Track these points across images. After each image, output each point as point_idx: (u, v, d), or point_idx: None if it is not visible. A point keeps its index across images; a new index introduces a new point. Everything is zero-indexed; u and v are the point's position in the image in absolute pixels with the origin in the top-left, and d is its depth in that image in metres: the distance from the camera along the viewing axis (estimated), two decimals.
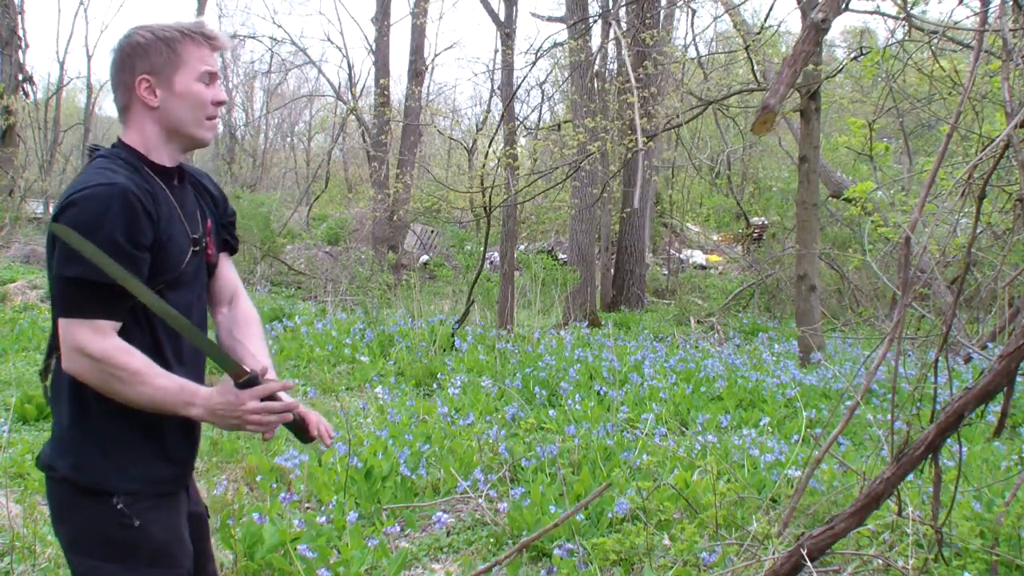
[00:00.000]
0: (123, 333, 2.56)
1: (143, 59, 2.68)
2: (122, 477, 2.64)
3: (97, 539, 2.66)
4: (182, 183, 2.82)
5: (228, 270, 3.09)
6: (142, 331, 2.63)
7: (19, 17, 28.50)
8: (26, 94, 29.75)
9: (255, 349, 3.00)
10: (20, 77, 28.48)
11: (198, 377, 2.78)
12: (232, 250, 3.12)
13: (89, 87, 36.78)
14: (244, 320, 3.09)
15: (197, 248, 2.77)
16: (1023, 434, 8.37)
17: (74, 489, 2.67)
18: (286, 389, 2.68)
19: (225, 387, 2.58)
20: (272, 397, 2.64)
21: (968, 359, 10.87)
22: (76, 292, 2.47)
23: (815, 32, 4.09)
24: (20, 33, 28.31)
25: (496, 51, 28.91)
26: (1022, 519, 4.87)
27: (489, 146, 17.07)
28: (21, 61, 28.42)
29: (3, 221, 24.46)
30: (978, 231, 5.35)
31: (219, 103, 2.78)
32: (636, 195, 7.98)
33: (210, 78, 2.75)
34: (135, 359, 2.50)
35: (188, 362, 2.78)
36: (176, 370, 2.65)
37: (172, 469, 2.76)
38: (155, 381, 2.52)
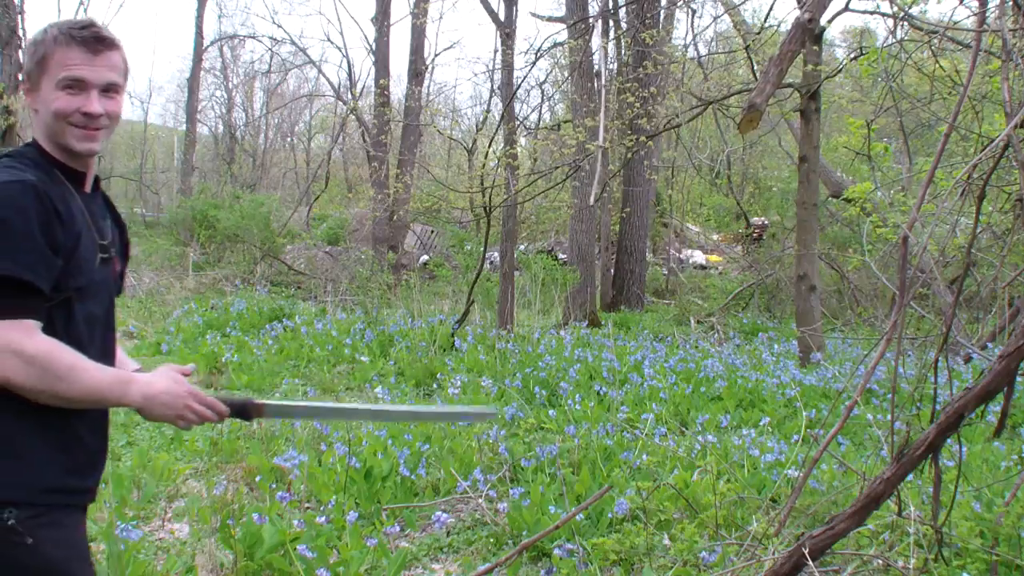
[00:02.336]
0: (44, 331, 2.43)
1: (27, 61, 2.61)
2: (14, 486, 2.40)
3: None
4: (94, 192, 2.72)
5: None
6: (54, 328, 2.46)
7: (19, 17, 28.44)
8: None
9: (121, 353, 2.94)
10: (20, 77, 28.47)
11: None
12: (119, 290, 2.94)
13: None
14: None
15: (105, 256, 2.62)
16: (1023, 434, 8.37)
17: None
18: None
19: (168, 373, 2.57)
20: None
21: (968, 359, 10.87)
22: (2, 293, 2.32)
23: (801, 32, 4.11)
24: (20, 33, 28.26)
25: (496, 51, 28.95)
26: (1022, 519, 4.87)
27: (489, 146, 17.10)
28: (21, 61, 28.40)
29: None
30: (978, 231, 5.35)
31: (86, 114, 2.53)
32: (593, 191, 7.99)
33: (76, 84, 2.53)
34: (67, 353, 2.39)
35: (104, 353, 2.66)
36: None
37: (78, 479, 2.55)
38: (90, 373, 2.41)
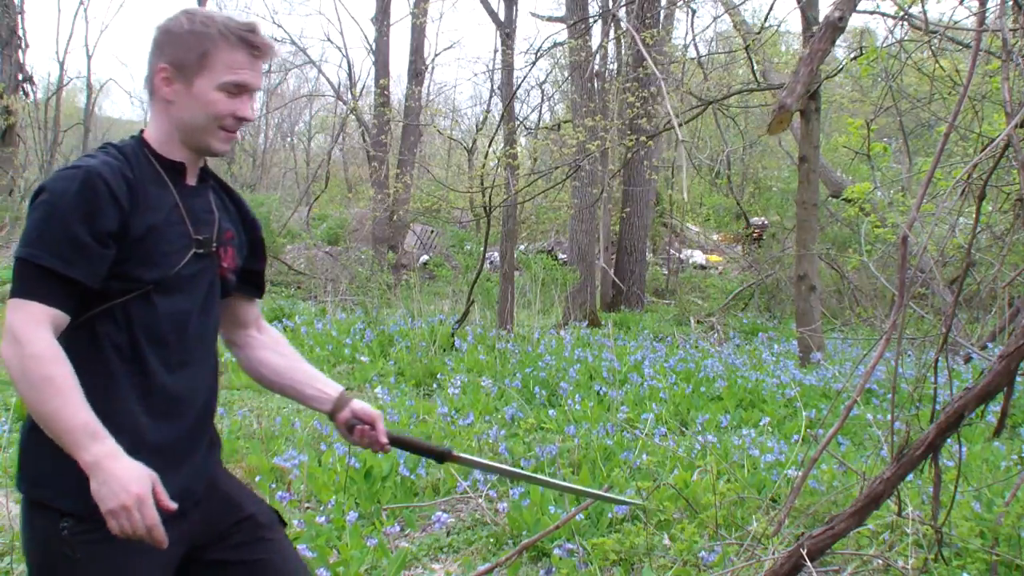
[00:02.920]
0: (94, 333, 2.34)
1: (171, 47, 2.46)
2: (67, 493, 2.28)
3: (44, 569, 2.35)
4: (203, 184, 2.62)
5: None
6: (118, 330, 2.37)
7: (19, 17, 28.55)
8: (26, 94, 29.79)
9: (314, 372, 2.88)
10: (20, 77, 28.52)
11: (195, 391, 2.55)
12: (256, 288, 2.92)
13: (89, 87, 36.84)
14: (281, 341, 2.95)
15: (201, 251, 2.50)
16: (1023, 434, 8.37)
17: (28, 505, 2.37)
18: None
19: (143, 471, 2.21)
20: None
21: (968, 359, 10.87)
22: (20, 271, 2.25)
23: (832, 31, 4.10)
24: (20, 33, 28.35)
25: (496, 51, 28.91)
26: (1022, 519, 4.87)
27: (489, 146, 17.10)
28: (21, 61, 28.46)
29: (3, 221, 24.49)
30: (977, 231, 5.36)
31: (240, 119, 2.50)
32: (684, 186, 7.99)
33: (237, 89, 2.47)
34: (56, 367, 2.18)
35: (181, 369, 2.49)
36: (163, 378, 2.42)
37: None
38: (65, 401, 2.17)
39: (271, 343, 2.93)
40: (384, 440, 2.79)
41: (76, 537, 2.27)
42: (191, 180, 2.58)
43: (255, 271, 2.90)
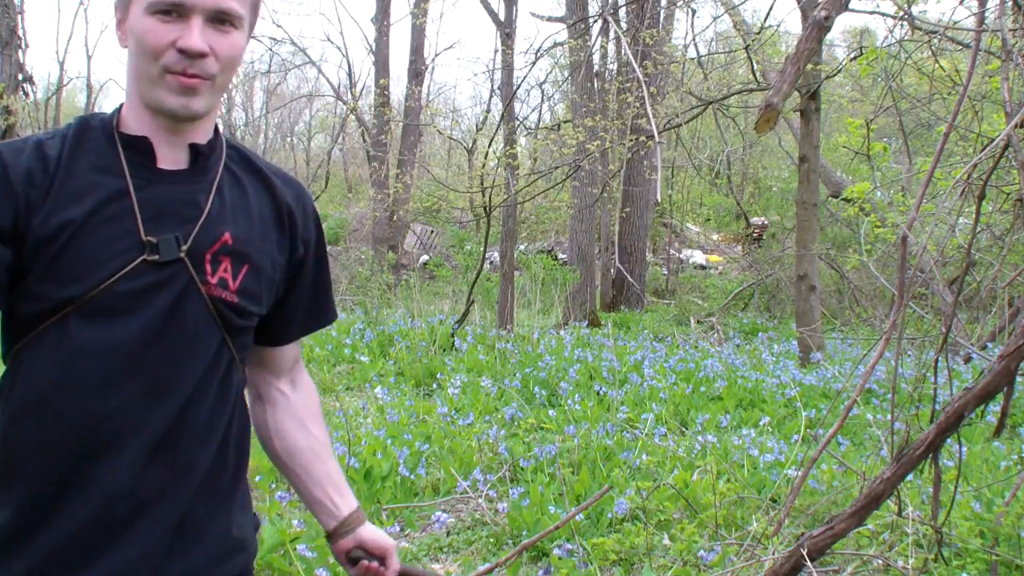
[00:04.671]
0: (29, 350, 1.75)
1: None
2: None
3: None
4: (200, 168, 1.88)
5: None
6: (20, 376, 1.77)
7: (19, 17, 28.44)
8: (26, 94, 29.67)
9: (335, 473, 2.19)
10: (20, 77, 28.44)
11: (143, 478, 1.76)
12: (300, 325, 2.14)
13: (89, 87, 36.77)
14: (314, 411, 2.20)
15: (156, 258, 1.77)
16: (1023, 434, 8.37)
17: None
18: None
19: None
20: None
21: (968, 359, 10.87)
22: None
23: (818, 30, 4.09)
24: (20, 33, 28.26)
25: (496, 51, 28.90)
26: (1022, 519, 4.87)
27: (489, 146, 17.11)
28: (21, 61, 28.38)
29: None
30: (977, 231, 5.36)
31: (184, 51, 1.73)
32: (658, 187, 8.00)
33: (172, 9, 1.72)
34: None
35: (117, 442, 1.75)
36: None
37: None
38: None
39: (301, 410, 2.16)
40: None
41: None
42: (169, 162, 1.85)
43: (304, 296, 2.10)
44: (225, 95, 47.63)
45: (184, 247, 1.80)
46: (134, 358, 1.75)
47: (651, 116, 8.96)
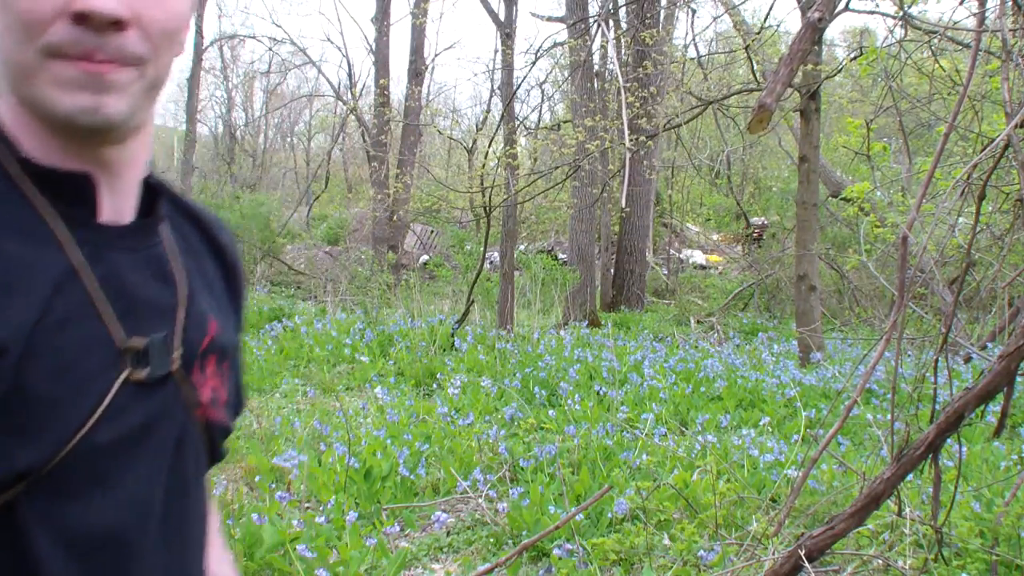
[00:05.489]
0: None
1: None
2: None
3: None
4: (149, 221, 1.22)
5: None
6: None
7: None
8: None
9: None
10: None
11: None
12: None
13: None
14: (218, 540, 1.54)
15: (143, 378, 1.11)
16: (1023, 434, 8.37)
17: None
18: None
19: None
20: None
21: (968, 359, 10.87)
22: None
23: (811, 31, 4.09)
24: None
25: (496, 51, 28.89)
26: (1022, 519, 4.87)
27: (489, 146, 17.14)
28: None
29: None
30: (977, 231, 5.36)
31: (80, 15, 1.01)
32: (623, 194, 8.02)
33: None
34: None
35: None
36: None
37: None
38: None
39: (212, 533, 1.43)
40: None
41: None
42: (114, 211, 1.17)
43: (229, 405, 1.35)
44: (225, 95, 47.27)
45: (176, 351, 1.17)
46: (125, 553, 1.11)
47: (626, 124, 8.97)
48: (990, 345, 11.06)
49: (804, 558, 3.68)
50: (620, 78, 9.41)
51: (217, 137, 44.77)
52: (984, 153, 4.69)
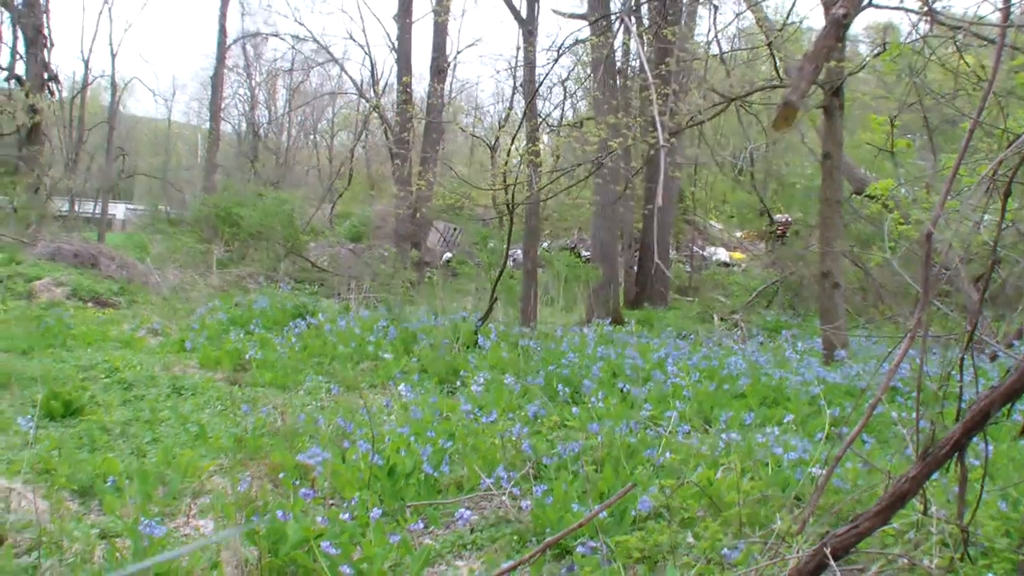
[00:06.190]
0: None
1: None
2: None
3: None
4: None
5: None
6: None
7: (44, 16, 28.75)
8: (51, 92, 30.01)
9: None
10: (45, 76, 28.73)
11: None
12: None
13: (113, 85, 36.93)
14: None
15: None
16: None
17: None
18: None
19: None
20: None
21: (994, 357, 10.82)
22: None
23: (836, 27, 4.08)
24: (45, 32, 28.54)
25: (518, 48, 28.94)
26: None
27: (511, 143, 17.16)
28: (46, 60, 28.67)
29: (29, 219, 24.64)
30: (1002, 228, 5.33)
31: None
32: (659, 192, 7.95)
33: None
34: None
35: None
36: None
37: None
38: None
39: None
40: None
41: None
42: None
43: None
44: (248, 93, 47.60)
45: None
46: None
47: (659, 121, 8.93)
48: (1016, 343, 11.00)
49: (830, 556, 3.67)
50: (648, 72, 9.36)
51: (240, 135, 44.99)
52: (1010, 149, 4.66)
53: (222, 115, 40.87)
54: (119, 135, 37.80)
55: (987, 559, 4.68)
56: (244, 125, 45.39)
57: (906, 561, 4.50)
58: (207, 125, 40.88)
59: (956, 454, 3.69)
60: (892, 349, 7.44)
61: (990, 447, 5.15)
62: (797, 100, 3.78)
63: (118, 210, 43.07)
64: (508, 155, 15.69)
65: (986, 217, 9.00)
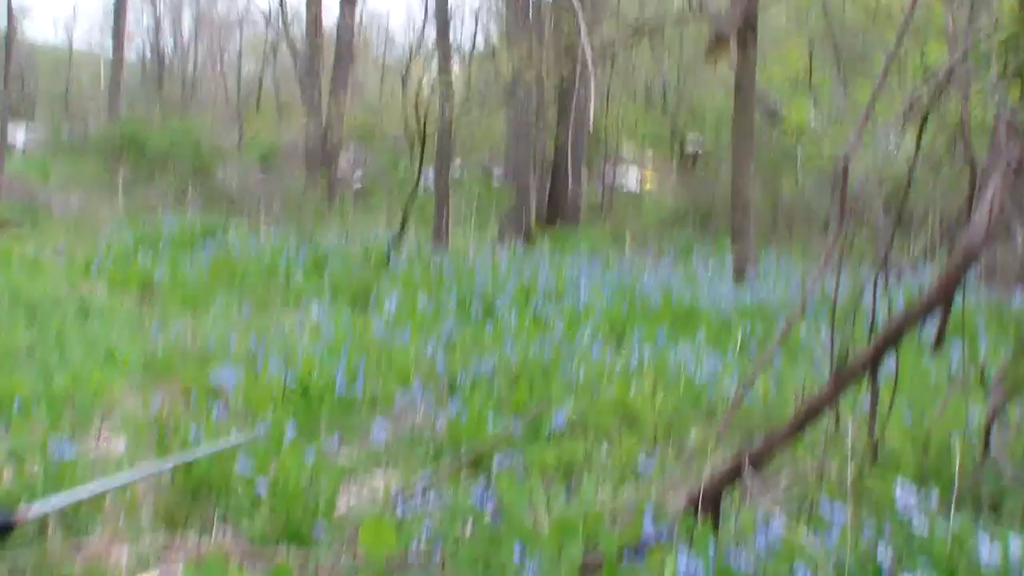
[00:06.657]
0: None
1: None
2: None
3: None
4: None
5: None
6: None
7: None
8: None
9: None
10: None
11: None
12: None
13: (10, 10, 35.69)
14: None
15: None
16: (952, 353, 8.52)
17: None
18: None
19: None
20: None
21: (899, 276, 11.04)
22: None
23: None
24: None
25: None
26: (950, 430, 4.97)
27: (421, 72, 17.02)
28: None
29: None
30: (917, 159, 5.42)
31: None
32: (590, 111, 7.95)
33: None
34: None
35: None
36: None
37: None
38: None
39: None
40: None
41: None
42: None
43: None
44: (152, 20, 46.70)
45: None
46: None
47: (586, 40, 8.88)
48: (922, 264, 11.25)
49: (745, 466, 3.73)
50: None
51: (145, 63, 44.02)
52: (926, 83, 4.72)
53: (126, 43, 39.87)
54: (18, 64, 36.61)
55: (895, 467, 4.80)
56: (148, 53, 44.38)
57: (816, 471, 4.60)
58: (110, 55, 39.76)
59: (868, 370, 3.77)
60: (804, 270, 7.55)
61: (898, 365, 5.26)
62: (728, 31, 3.79)
63: (18, 135, 41.89)
64: (419, 85, 15.60)
65: (895, 147, 9.16)
